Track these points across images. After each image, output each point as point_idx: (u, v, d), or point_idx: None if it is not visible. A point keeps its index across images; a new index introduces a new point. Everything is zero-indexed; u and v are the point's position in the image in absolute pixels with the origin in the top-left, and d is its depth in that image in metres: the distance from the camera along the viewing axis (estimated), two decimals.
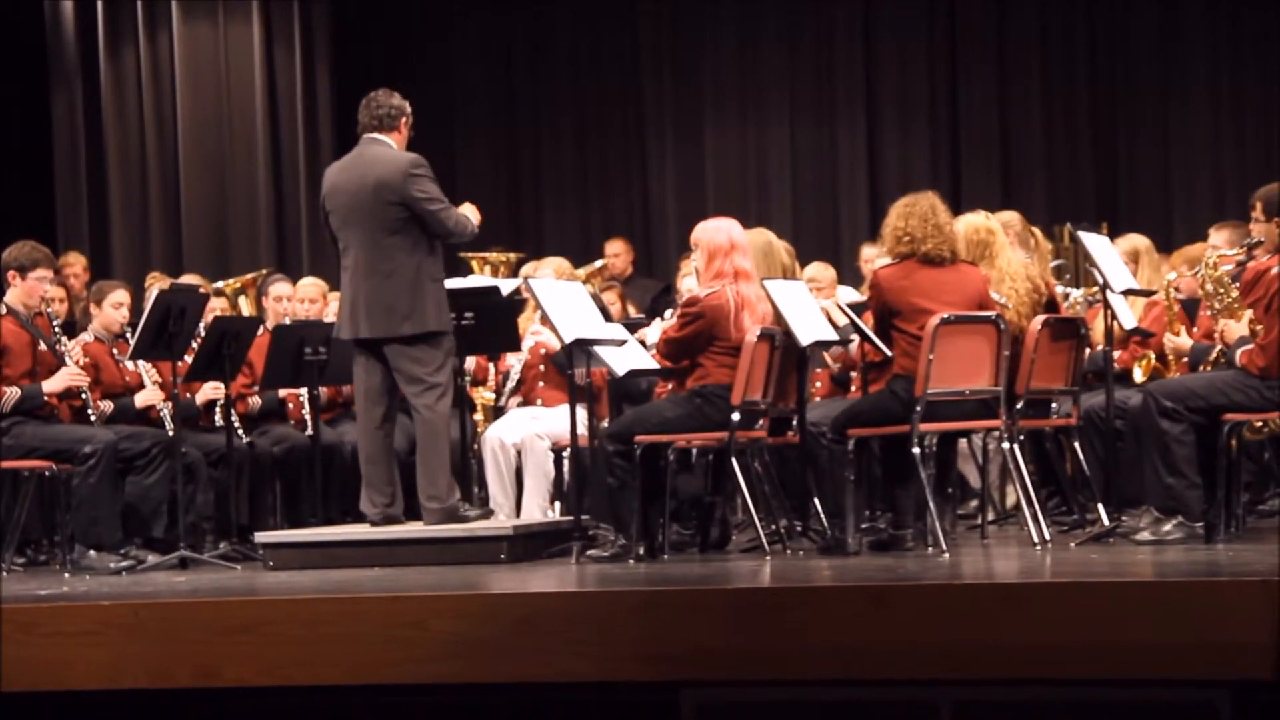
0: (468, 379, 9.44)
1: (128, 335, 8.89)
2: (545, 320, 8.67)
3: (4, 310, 8.62)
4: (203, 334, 8.94)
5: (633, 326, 9.09)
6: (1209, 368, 8.03)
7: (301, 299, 10.17)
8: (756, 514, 7.97)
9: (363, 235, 8.12)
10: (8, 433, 8.43)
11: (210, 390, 9.22)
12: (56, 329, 8.74)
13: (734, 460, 7.84)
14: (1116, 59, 13.63)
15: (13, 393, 8.45)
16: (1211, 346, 8.08)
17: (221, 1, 13.63)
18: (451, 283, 8.60)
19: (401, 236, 8.07)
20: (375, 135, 8.27)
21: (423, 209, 8.06)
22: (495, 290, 9.06)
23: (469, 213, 8.33)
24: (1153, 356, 8.82)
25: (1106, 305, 8.18)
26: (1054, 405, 8.49)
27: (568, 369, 8.39)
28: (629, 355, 8.44)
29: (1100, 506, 8.00)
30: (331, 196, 8.27)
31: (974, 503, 9.36)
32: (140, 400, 8.98)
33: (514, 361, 9.80)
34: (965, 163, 13.79)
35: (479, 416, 9.98)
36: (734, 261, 7.98)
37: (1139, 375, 8.81)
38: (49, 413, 8.60)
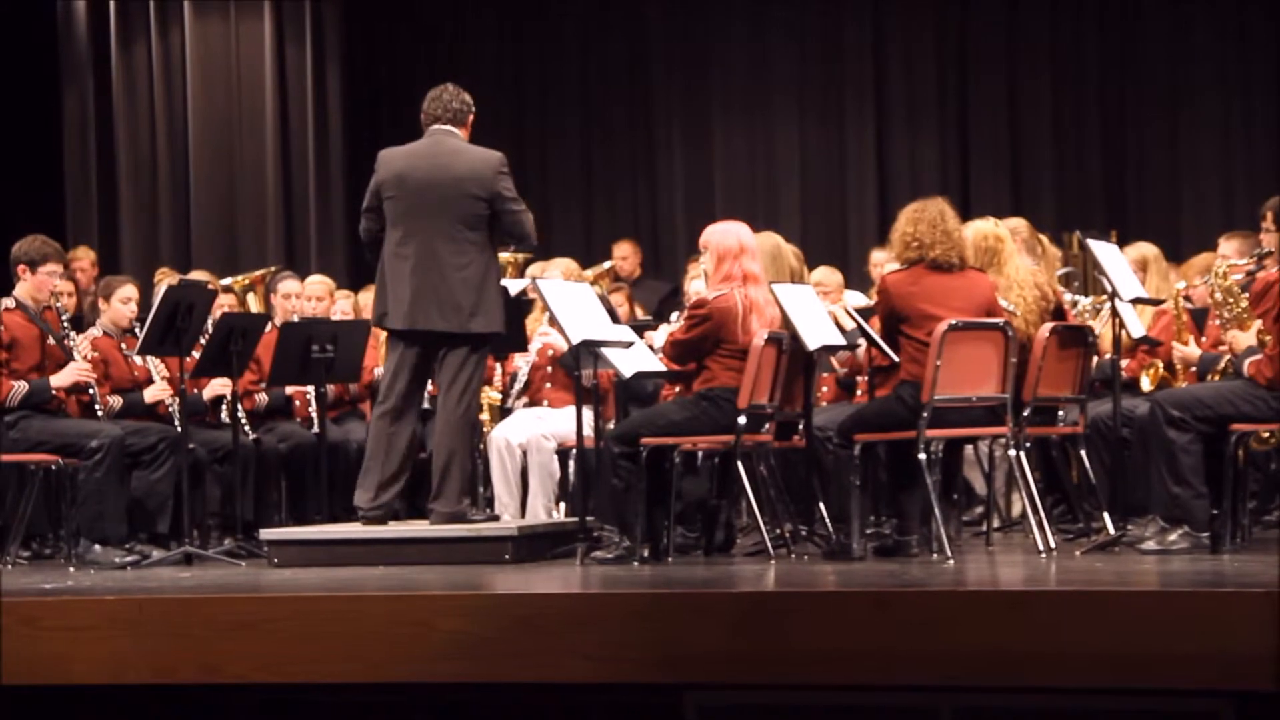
0: None
1: (136, 330, 8.90)
2: (552, 321, 8.67)
3: (13, 304, 8.64)
4: (210, 330, 8.94)
5: (640, 328, 9.09)
6: (1217, 377, 8.02)
7: (309, 296, 10.17)
8: (761, 518, 7.96)
9: (434, 226, 8.01)
10: (14, 426, 8.44)
11: (218, 386, 9.23)
12: (65, 323, 8.75)
13: (740, 463, 7.83)
14: (1126, 66, 13.63)
15: (20, 387, 8.46)
16: (1220, 356, 8.08)
17: None
18: None
19: (479, 233, 8.02)
20: (446, 127, 8.20)
21: (508, 208, 8.02)
22: (503, 291, 9.04)
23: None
24: (1160, 365, 8.82)
25: (1115, 313, 8.18)
26: (1061, 413, 8.49)
27: (575, 370, 8.39)
28: (636, 357, 8.44)
29: (1106, 515, 8.00)
30: (397, 183, 8.10)
31: (979, 509, 9.36)
32: (150, 396, 8.99)
33: (521, 362, 9.80)
34: (974, 168, 13.79)
35: (485, 417, 9.98)
36: (743, 265, 7.98)
37: (1146, 384, 8.80)
38: (56, 407, 8.61)
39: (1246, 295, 7.64)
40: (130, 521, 8.49)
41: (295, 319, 9.78)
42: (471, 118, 8.27)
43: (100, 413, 8.68)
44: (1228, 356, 7.84)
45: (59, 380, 8.56)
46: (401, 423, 8.12)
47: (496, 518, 8.72)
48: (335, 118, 13.78)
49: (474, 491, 8.81)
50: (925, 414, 7.52)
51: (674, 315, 9.37)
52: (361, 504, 8.14)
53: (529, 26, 14.47)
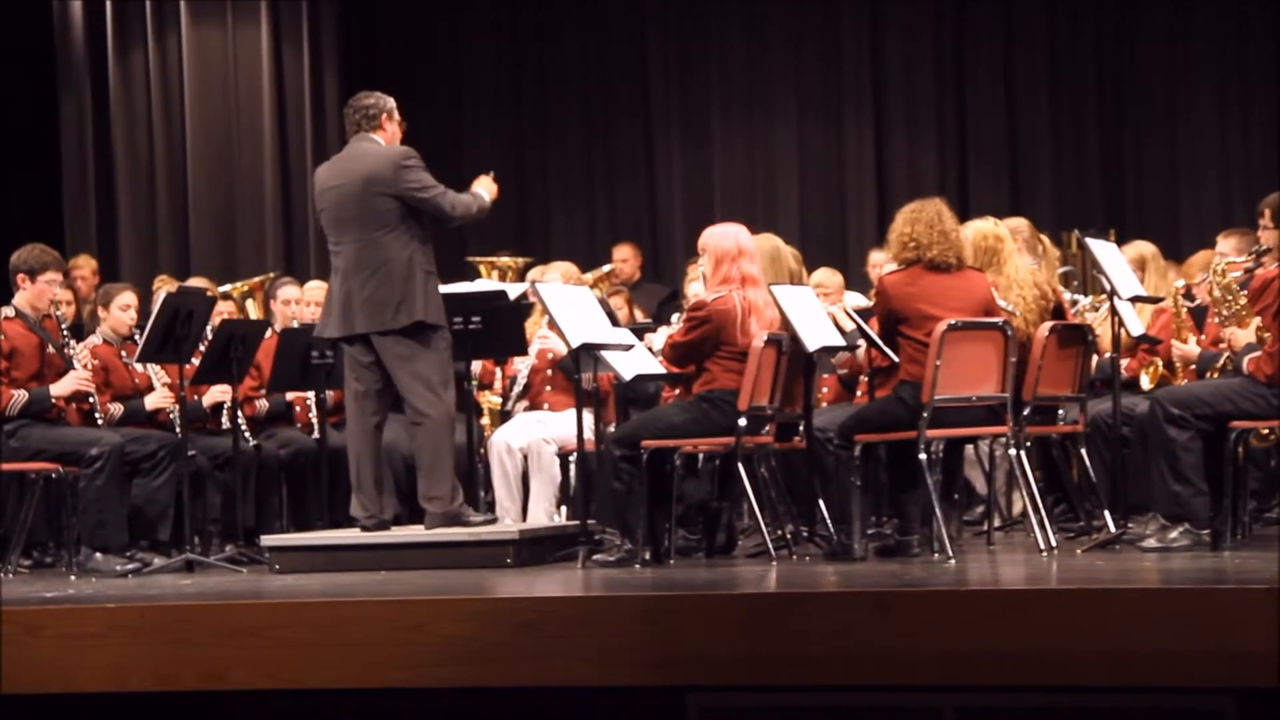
0: (474, 383, 9.44)
1: (136, 337, 8.90)
2: (552, 325, 8.67)
3: (12, 313, 8.63)
4: (210, 337, 8.95)
5: (640, 331, 9.09)
6: (1216, 375, 8.02)
7: (309, 302, 10.16)
8: (763, 519, 7.97)
9: (353, 232, 8.12)
10: (14, 435, 8.43)
11: (218, 393, 9.23)
12: (65, 332, 8.74)
13: (740, 465, 7.83)
14: (1124, 65, 13.62)
15: (20, 395, 8.46)
16: (1219, 354, 8.08)
17: (230, 4, 13.63)
18: (458, 287, 8.61)
19: (391, 231, 8.07)
20: (362, 134, 8.31)
21: (418, 198, 8.08)
22: (502, 294, 9.06)
23: (482, 188, 8.35)
24: (1160, 364, 8.82)
25: (1114, 312, 8.18)
26: (1061, 412, 8.49)
27: (574, 373, 8.39)
28: (636, 360, 8.44)
29: (1106, 513, 8.00)
30: (321, 197, 8.29)
31: (980, 509, 9.36)
32: (150, 403, 9.00)
33: (521, 366, 9.80)
34: (973, 168, 13.77)
35: (485, 421, 9.98)
36: (741, 267, 7.98)
37: (1146, 382, 8.80)
38: (56, 415, 8.61)
39: (1245, 293, 7.64)
40: (131, 529, 8.48)
41: (295, 325, 9.77)
42: (387, 115, 8.32)
43: (100, 421, 8.68)
44: (1227, 354, 7.84)
45: (59, 389, 8.55)
46: (371, 429, 8.15)
47: (495, 519, 8.72)
48: (333, 123, 13.72)
49: (473, 496, 8.80)
50: (925, 414, 7.53)
51: (673, 318, 9.37)
52: (357, 514, 8.17)
53: (527, 30, 14.46)
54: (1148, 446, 7.50)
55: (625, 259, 12.78)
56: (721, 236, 8.08)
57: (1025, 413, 7.82)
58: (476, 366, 9.53)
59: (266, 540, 8.34)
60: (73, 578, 8.22)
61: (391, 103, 8.36)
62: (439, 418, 8.06)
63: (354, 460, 8.20)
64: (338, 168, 8.30)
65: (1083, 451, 8.25)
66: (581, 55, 14.40)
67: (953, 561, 7.42)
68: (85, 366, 8.68)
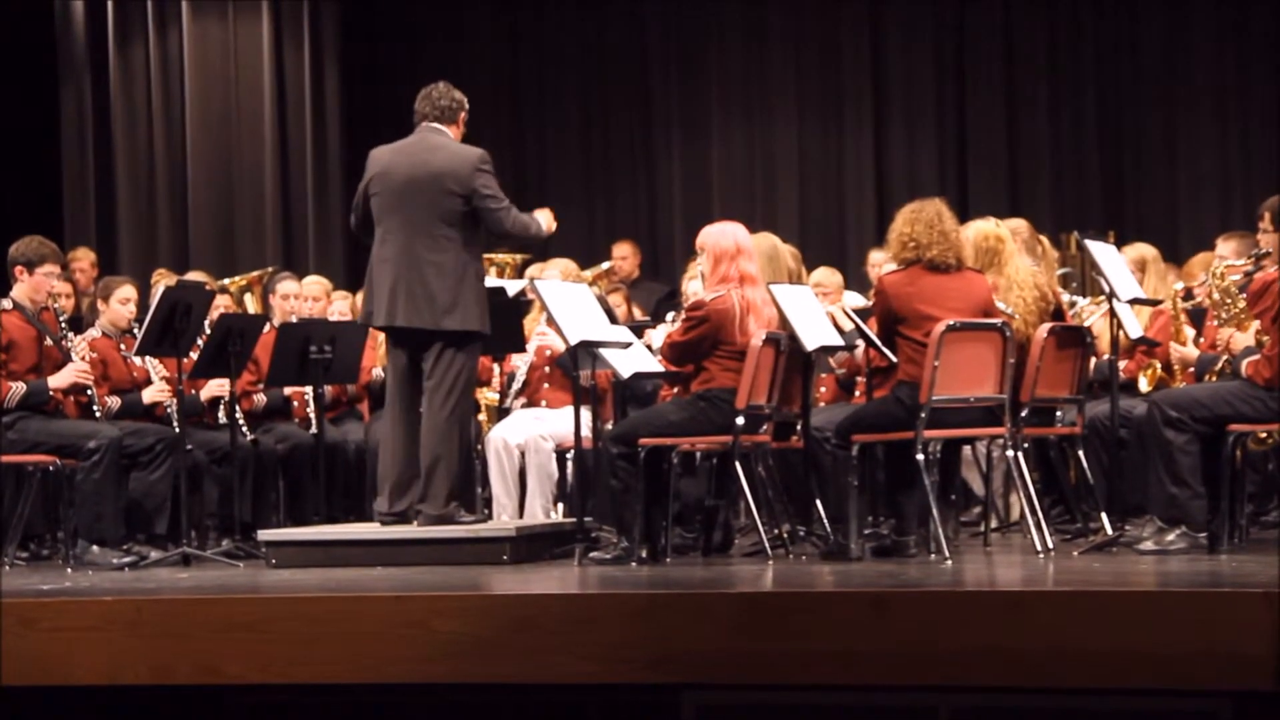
0: None
1: (135, 331, 8.90)
2: (550, 322, 8.67)
3: (10, 305, 8.62)
4: (208, 331, 8.94)
5: (638, 329, 9.09)
6: (1214, 378, 8.02)
7: (306, 297, 10.17)
8: (759, 518, 7.96)
9: (412, 222, 8.03)
10: (12, 427, 8.43)
11: (215, 387, 9.23)
12: (63, 324, 8.74)
13: (738, 464, 7.83)
14: (1124, 67, 13.63)
15: (18, 388, 8.45)
16: (1217, 357, 8.08)
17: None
18: None
19: (457, 229, 8.02)
20: (435, 125, 8.22)
21: (486, 205, 8.03)
22: (501, 291, 9.05)
23: (542, 218, 8.32)
24: (1158, 366, 8.82)
25: (1113, 314, 8.18)
26: (1058, 413, 8.49)
27: (572, 371, 8.39)
28: (634, 358, 8.44)
29: (1104, 515, 8.00)
30: (380, 179, 8.16)
31: (977, 510, 9.36)
32: (148, 396, 8.99)
33: (519, 363, 9.80)
34: (972, 169, 13.79)
35: (483, 417, 9.98)
36: (739, 266, 7.98)
37: (1144, 385, 8.80)
38: (54, 408, 8.61)
39: (1244, 295, 7.64)
40: (128, 522, 8.48)
41: (293, 319, 9.77)
42: (463, 116, 8.28)
43: (98, 414, 8.67)
44: (1225, 357, 7.84)
45: (57, 381, 8.54)
46: (402, 424, 8.12)
47: (486, 519, 8.70)
48: (333, 118, 13.78)
49: (470, 493, 8.79)
50: (923, 414, 7.52)
51: (669, 316, 9.37)
52: (380, 509, 8.14)
53: (528, 28, 14.47)
54: (1145, 449, 7.50)
55: (624, 257, 12.78)
56: (719, 235, 8.07)
57: (1023, 414, 7.82)
58: None
59: (263, 535, 8.33)
60: (69, 570, 8.21)
61: (468, 104, 8.32)
62: (450, 424, 8.02)
63: (392, 456, 8.13)
64: (407, 155, 8.17)
65: (1080, 453, 8.25)
66: (581, 52, 14.42)
67: (949, 562, 7.42)
68: (83, 359, 8.68)
